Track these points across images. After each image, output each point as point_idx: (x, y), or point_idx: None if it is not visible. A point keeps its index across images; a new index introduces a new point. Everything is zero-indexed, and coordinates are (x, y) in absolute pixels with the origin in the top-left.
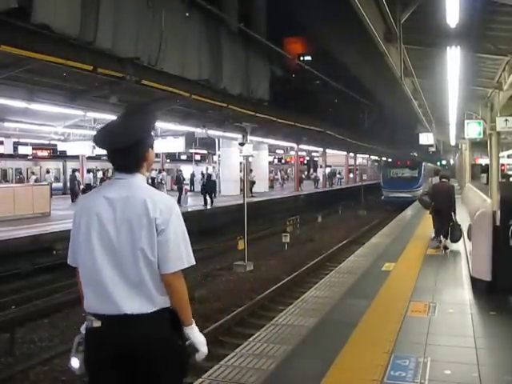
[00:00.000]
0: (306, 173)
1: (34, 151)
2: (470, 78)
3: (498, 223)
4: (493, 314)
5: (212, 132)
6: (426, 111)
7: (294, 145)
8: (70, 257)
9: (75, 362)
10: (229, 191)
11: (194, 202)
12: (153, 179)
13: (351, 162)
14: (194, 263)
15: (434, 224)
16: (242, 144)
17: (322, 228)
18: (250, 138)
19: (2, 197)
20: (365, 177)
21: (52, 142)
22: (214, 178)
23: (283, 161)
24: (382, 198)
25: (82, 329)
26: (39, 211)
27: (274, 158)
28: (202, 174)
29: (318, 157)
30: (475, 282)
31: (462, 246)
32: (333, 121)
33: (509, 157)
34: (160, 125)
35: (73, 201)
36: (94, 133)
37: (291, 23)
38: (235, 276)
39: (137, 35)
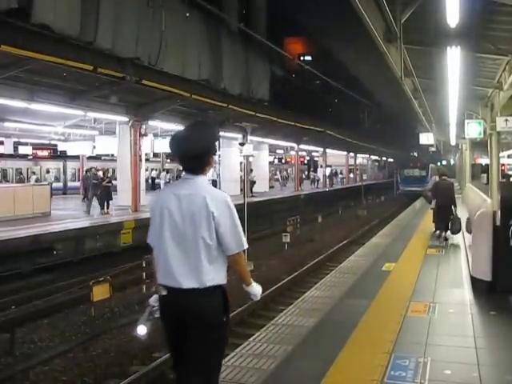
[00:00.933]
0: (306, 173)
1: (34, 151)
2: (470, 77)
3: (498, 223)
4: (493, 314)
5: None
6: (426, 111)
7: (295, 145)
8: (149, 238)
9: (142, 330)
10: (229, 191)
11: None
12: (153, 179)
13: (351, 161)
14: (246, 247)
15: (435, 218)
16: (242, 144)
17: (322, 228)
18: (250, 137)
19: (3, 197)
20: (365, 177)
21: (52, 142)
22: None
23: (283, 161)
24: (399, 191)
25: (151, 300)
26: (39, 211)
27: (275, 157)
28: None
29: (318, 157)
30: (475, 282)
31: (461, 246)
32: (333, 121)
33: (509, 157)
34: (160, 125)
35: (85, 200)
36: (96, 132)
37: (291, 23)
38: (235, 276)
39: (137, 35)
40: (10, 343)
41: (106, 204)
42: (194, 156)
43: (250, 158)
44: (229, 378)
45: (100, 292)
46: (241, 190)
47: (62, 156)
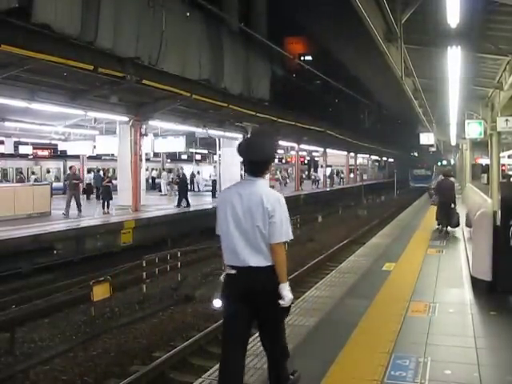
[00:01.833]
0: (306, 172)
1: (35, 151)
2: (470, 77)
3: (498, 223)
4: (493, 314)
5: (212, 132)
6: (427, 111)
7: (295, 144)
8: (217, 229)
9: (217, 303)
10: None
11: (196, 202)
12: (153, 179)
13: (352, 161)
14: (292, 238)
15: (437, 214)
16: None
17: (323, 228)
18: None
19: (3, 196)
20: (365, 177)
21: (53, 142)
22: (215, 177)
23: (283, 160)
24: (410, 187)
25: (222, 278)
26: (39, 211)
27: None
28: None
29: (318, 157)
30: (475, 282)
31: (462, 246)
32: (333, 120)
33: (509, 157)
34: (160, 124)
35: (98, 198)
36: (97, 132)
37: (292, 23)
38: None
39: (137, 35)
40: (10, 343)
41: (106, 204)
42: (257, 161)
43: None
44: None
45: (100, 292)
46: None
47: (63, 156)
